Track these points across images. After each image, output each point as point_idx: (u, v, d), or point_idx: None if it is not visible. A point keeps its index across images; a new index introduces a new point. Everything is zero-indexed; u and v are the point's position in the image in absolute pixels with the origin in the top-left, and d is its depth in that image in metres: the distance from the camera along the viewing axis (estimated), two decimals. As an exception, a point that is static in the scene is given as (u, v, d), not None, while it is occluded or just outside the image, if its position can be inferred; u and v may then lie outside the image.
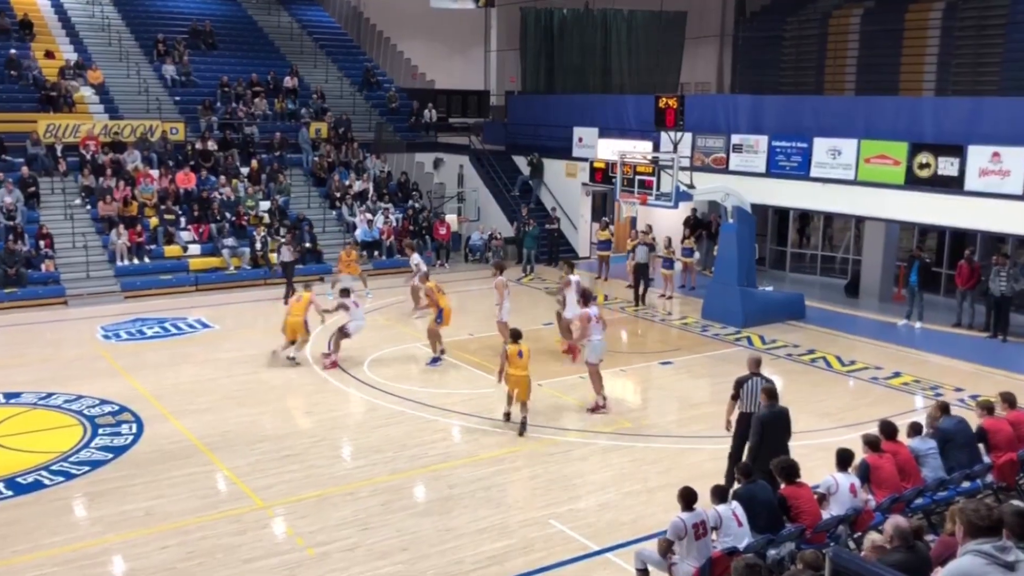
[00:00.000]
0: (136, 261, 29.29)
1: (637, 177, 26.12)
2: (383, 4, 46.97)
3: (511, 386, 17.16)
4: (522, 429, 17.04)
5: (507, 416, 17.56)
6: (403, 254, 31.35)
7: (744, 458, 13.06)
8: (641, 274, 28.53)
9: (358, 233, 32.86)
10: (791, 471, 11.47)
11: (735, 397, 14.42)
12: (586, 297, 19.31)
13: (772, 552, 10.88)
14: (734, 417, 14.42)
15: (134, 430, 16.98)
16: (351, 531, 13.05)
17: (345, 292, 22.13)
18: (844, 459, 11.95)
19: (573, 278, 22.24)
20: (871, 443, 12.43)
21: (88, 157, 32.34)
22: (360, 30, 48.30)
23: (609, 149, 32.63)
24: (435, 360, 21.54)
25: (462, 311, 26.38)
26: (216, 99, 37.63)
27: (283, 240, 28.77)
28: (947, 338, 24.51)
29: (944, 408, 13.91)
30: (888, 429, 12.86)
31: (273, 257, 29.98)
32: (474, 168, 39.12)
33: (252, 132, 36.73)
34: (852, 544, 11.41)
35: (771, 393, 13.59)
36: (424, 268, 25.53)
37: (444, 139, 42.45)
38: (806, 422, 16.91)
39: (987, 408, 13.96)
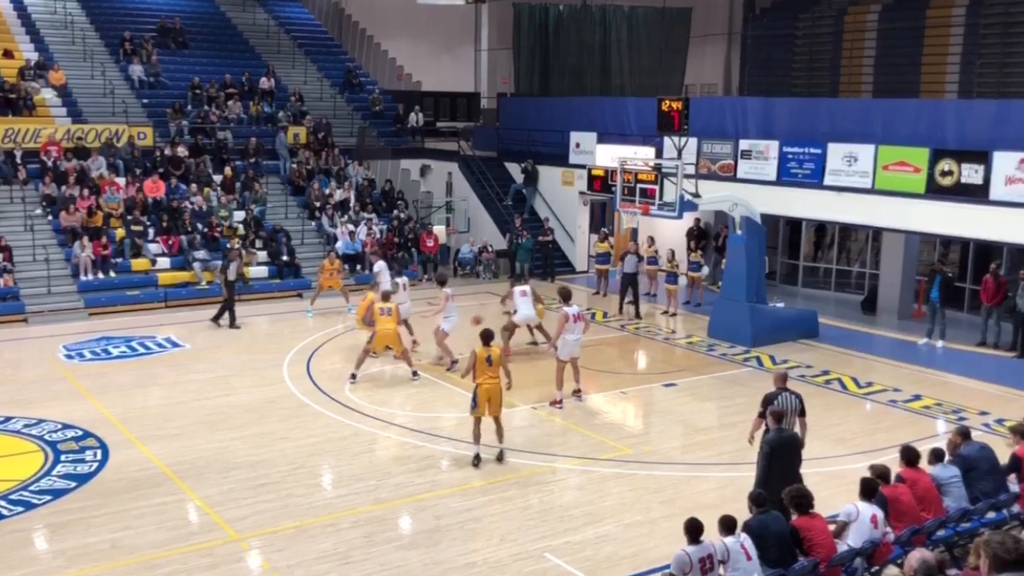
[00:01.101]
0: (101, 275, 29.25)
1: (638, 185, 26.21)
2: (366, 0, 47.11)
3: (481, 403, 16.59)
4: (499, 457, 16.92)
5: (477, 460, 16.78)
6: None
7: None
8: (629, 284, 28.75)
9: (339, 245, 32.84)
10: (802, 501, 11.49)
11: (762, 415, 14.43)
12: (565, 296, 20.75)
13: (783, 587, 10.92)
14: (759, 434, 14.46)
15: (99, 456, 16.95)
16: (331, 565, 13.06)
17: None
18: (869, 489, 11.98)
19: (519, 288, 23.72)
20: (882, 475, 12.43)
21: (49, 164, 32.34)
22: (341, 28, 48.42)
23: (608, 155, 32.75)
24: (351, 377, 21.63)
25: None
26: (187, 102, 37.66)
27: (247, 253, 28.15)
28: (971, 358, 24.60)
29: (965, 434, 13.95)
30: (909, 455, 12.88)
31: (212, 275, 29.67)
32: (464, 176, 39.18)
33: (225, 137, 36.75)
34: (869, 579, 11.46)
35: (779, 416, 13.63)
36: (384, 281, 25.60)
37: (431, 145, 42.44)
38: (820, 448, 16.97)
39: (1021, 433, 13.99)
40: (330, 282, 28.52)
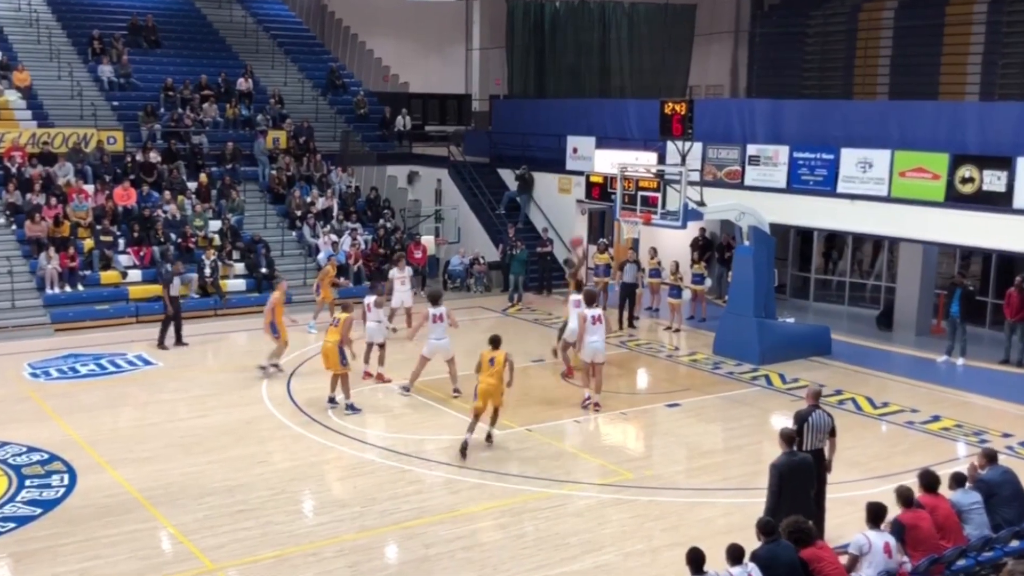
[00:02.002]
0: (68, 289, 29.22)
1: (640, 193, 26.18)
2: (351, -4, 47.27)
3: (481, 397, 18.42)
4: (488, 438, 18.85)
5: (464, 448, 18.29)
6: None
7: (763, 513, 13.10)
8: (627, 295, 28.85)
9: (321, 257, 32.83)
10: (800, 536, 11.42)
11: (798, 434, 14.37)
12: (590, 299, 21.84)
13: (793, 620, 10.94)
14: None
15: (66, 481, 16.95)
16: (314, 597, 13.10)
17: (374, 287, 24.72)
18: (876, 514, 12.00)
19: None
20: (904, 497, 12.46)
21: (13, 170, 32.33)
22: (324, 26, 48.51)
23: (608, 161, 32.68)
24: (330, 401, 21.43)
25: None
26: (159, 104, 37.69)
27: (177, 269, 27.39)
28: (993, 376, 24.66)
29: (991, 456, 13.93)
30: (928, 480, 12.88)
31: (186, 288, 29.07)
32: (454, 183, 39.25)
33: (200, 142, 36.80)
34: (884, 612, 11.48)
35: (790, 438, 13.65)
36: (398, 289, 25.97)
37: (420, 150, 42.55)
38: (832, 472, 17.00)
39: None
40: (325, 293, 28.25)
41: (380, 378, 23.36)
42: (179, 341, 26.53)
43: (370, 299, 23.67)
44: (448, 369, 22.27)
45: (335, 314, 21.66)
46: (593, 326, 21.13)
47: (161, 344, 26.30)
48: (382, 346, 23.61)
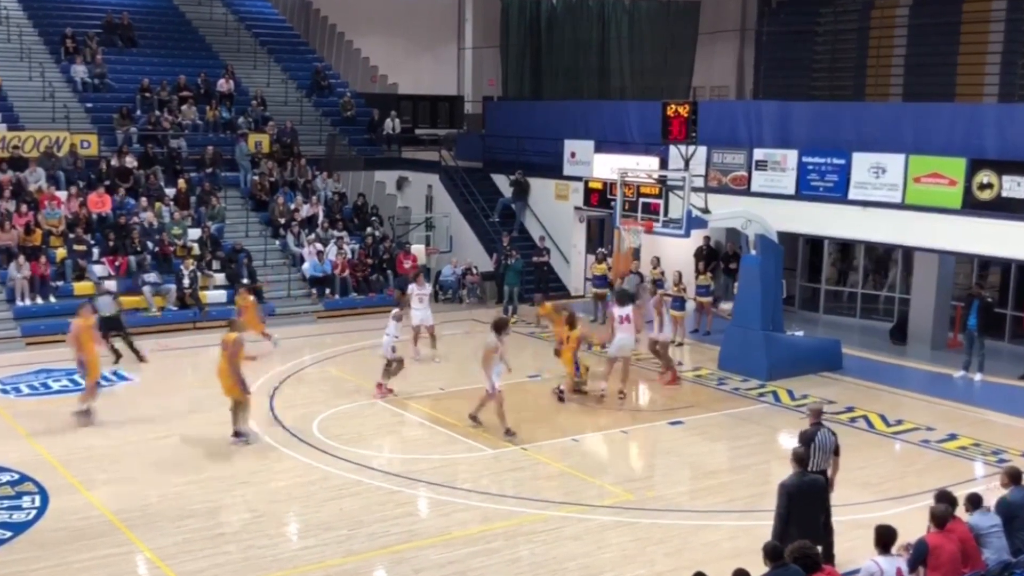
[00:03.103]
0: (40, 300, 29.23)
1: (641, 200, 26.24)
2: (337, -7, 47.32)
3: (568, 364, 23.14)
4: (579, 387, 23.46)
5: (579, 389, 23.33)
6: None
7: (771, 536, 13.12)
8: None
9: (306, 267, 32.86)
10: (807, 562, 11.43)
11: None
12: (621, 298, 23.92)
13: (801, 649, 10.96)
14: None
15: (37, 503, 16.95)
16: (298, 625, 13.12)
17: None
18: (886, 539, 12.01)
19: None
20: (940, 517, 12.47)
21: (-19, 176, 32.38)
22: (309, 24, 48.52)
23: (607, 166, 32.81)
24: (236, 435, 20.32)
25: (431, 360, 26.49)
26: (136, 106, 37.70)
27: (105, 288, 27.32)
28: (1013, 392, 24.64)
29: (1015, 476, 13.92)
30: (946, 501, 12.91)
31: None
32: (445, 189, 39.33)
33: (179, 146, 36.81)
34: (897, 640, 11.49)
35: (801, 459, 13.68)
36: (414, 305, 26.59)
37: (409, 154, 42.61)
38: (843, 494, 16.97)
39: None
40: (250, 323, 25.77)
41: (383, 390, 23.36)
42: (116, 356, 26.08)
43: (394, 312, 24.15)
44: (479, 398, 21.22)
45: (223, 336, 20.56)
46: (621, 325, 23.19)
47: (140, 357, 26.33)
48: (389, 363, 23.21)
